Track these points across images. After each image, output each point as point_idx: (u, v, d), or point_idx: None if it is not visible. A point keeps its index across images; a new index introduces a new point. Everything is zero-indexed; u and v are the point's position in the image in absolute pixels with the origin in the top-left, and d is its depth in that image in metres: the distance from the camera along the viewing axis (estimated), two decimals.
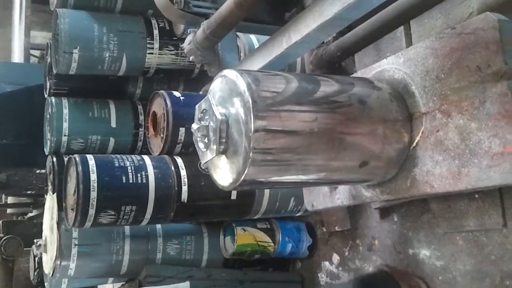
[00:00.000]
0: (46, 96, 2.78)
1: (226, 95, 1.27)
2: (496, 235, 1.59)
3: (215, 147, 1.26)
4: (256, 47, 2.44)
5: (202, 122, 1.31)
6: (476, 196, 1.58)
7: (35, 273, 3.01)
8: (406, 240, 1.96)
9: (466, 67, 1.24)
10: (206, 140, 1.30)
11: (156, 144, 2.40)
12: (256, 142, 1.19)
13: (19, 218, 4.82)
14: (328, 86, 1.37)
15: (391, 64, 1.46)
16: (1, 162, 3.64)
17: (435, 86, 1.32)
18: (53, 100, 2.63)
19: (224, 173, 1.32)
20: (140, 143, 2.71)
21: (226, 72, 1.30)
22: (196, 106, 1.36)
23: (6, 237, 4.06)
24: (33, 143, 3.12)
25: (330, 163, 1.34)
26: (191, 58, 1.87)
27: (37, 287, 3.27)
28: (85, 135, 2.62)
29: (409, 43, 1.82)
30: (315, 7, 1.37)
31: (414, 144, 1.37)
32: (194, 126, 1.32)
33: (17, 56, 4.44)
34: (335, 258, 2.42)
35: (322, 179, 1.43)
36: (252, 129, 1.19)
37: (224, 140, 1.25)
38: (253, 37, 2.49)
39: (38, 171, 3.77)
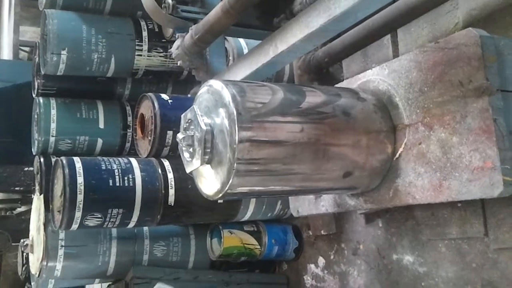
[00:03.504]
0: (34, 95, 2.76)
1: (212, 106, 1.28)
2: (477, 244, 1.61)
3: (200, 157, 1.27)
4: (244, 50, 2.45)
5: (187, 131, 1.32)
6: (459, 205, 1.61)
7: (23, 268, 3.01)
8: (390, 245, 1.98)
9: (449, 82, 1.25)
10: (191, 149, 1.31)
11: (144, 147, 2.40)
12: (240, 153, 1.20)
13: (7, 214, 4.81)
14: (313, 97, 1.38)
15: (376, 75, 1.48)
16: None
17: (419, 99, 1.34)
18: (41, 100, 2.62)
19: (209, 183, 1.33)
20: (128, 144, 2.70)
21: (212, 82, 1.30)
22: (182, 116, 1.37)
23: None
24: (21, 141, 3.10)
25: (314, 173, 1.35)
26: (179, 63, 1.87)
27: (24, 282, 3.27)
28: (73, 136, 2.60)
29: (395, 51, 1.84)
30: (301, 18, 1.38)
31: (397, 155, 1.39)
32: (180, 135, 1.33)
33: (6, 53, 4.40)
34: (321, 261, 2.44)
35: (307, 188, 1.44)
36: (237, 140, 1.20)
37: (208, 150, 1.27)
38: (241, 41, 2.49)
39: (26, 168, 3.76)
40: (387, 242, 2.01)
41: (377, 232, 2.07)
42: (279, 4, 1.69)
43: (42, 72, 2.51)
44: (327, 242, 2.40)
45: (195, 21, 1.83)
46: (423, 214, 1.77)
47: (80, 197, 2.00)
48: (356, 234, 2.20)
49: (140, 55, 2.48)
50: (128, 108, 2.73)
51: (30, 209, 2.67)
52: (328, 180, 1.40)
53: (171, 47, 1.93)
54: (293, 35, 1.41)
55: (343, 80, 1.79)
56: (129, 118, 2.70)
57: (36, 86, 2.73)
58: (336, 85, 1.70)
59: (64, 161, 2.07)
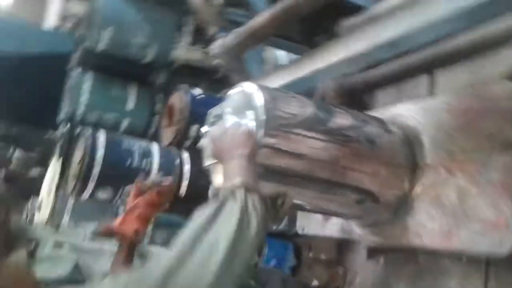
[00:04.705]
0: (71, 66, 2.83)
1: (241, 106, 1.29)
2: None
3: None
4: (282, 63, 2.47)
5: (212, 127, 1.34)
6: (463, 258, 1.58)
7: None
8: (387, 285, 1.95)
9: (478, 130, 1.25)
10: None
11: (168, 135, 2.43)
12: (261, 158, 1.21)
13: (21, 171, 4.88)
14: (341, 119, 1.39)
15: (408, 110, 1.47)
16: (17, 117, 3.69)
17: (445, 141, 1.33)
18: (77, 72, 2.68)
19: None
20: (152, 130, 2.74)
21: (247, 84, 1.32)
22: (210, 111, 1.39)
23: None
24: (50, 106, 3.17)
25: (327, 193, 1.36)
26: (216, 62, 1.90)
27: None
28: (101, 111, 2.66)
29: (431, 90, 1.83)
30: (344, 40, 1.39)
31: (413, 193, 1.38)
32: (204, 129, 1.35)
33: (50, 22, 4.50)
34: (315, 284, 2.42)
35: (317, 206, 1.45)
36: (260, 145, 1.21)
37: None
38: (280, 53, 2.51)
39: (49, 132, 3.83)
40: (385, 280, 1.98)
41: (376, 268, 2.05)
42: (323, 23, 1.71)
43: (83, 45, 2.58)
44: (324, 267, 2.38)
45: (238, 24, 1.87)
46: (426, 260, 1.74)
47: (96, 169, 2.04)
48: (355, 265, 2.18)
49: (180, 48, 2.52)
50: (158, 96, 2.78)
51: (44, 173, 2.72)
52: (340, 203, 1.40)
53: (212, 45, 1.96)
54: (333, 55, 1.43)
55: (373, 109, 1.79)
56: (158, 105, 2.74)
57: (74, 58, 2.80)
58: (366, 112, 1.70)
59: (90, 132, 2.11)
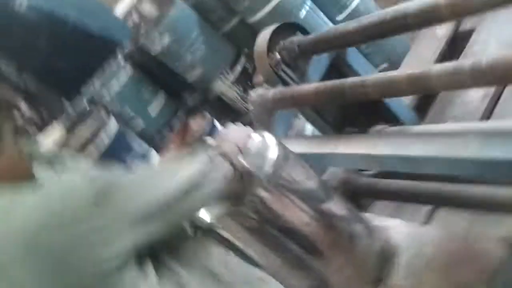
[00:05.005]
0: (116, 55, 2.91)
1: (253, 151, 1.32)
2: None
3: None
4: (305, 133, 2.53)
5: None
6: None
7: None
8: None
9: (453, 277, 1.27)
10: None
11: (171, 151, 2.45)
12: (248, 204, 1.24)
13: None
14: (336, 207, 1.42)
15: (396, 228, 1.50)
16: (44, 78, 3.76)
17: (417, 273, 1.35)
18: (119, 60, 2.76)
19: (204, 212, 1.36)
20: (160, 141, 2.78)
21: (267, 134, 1.36)
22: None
23: None
24: (79, 82, 3.23)
25: (288, 266, 1.37)
26: (249, 107, 1.96)
27: None
28: (125, 105, 2.72)
29: (427, 221, 1.85)
30: (368, 140, 1.45)
31: None
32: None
33: (119, 11, 4.63)
34: None
35: (273, 270, 1.44)
36: (252, 193, 1.24)
37: None
38: (308, 125, 2.58)
39: (65, 103, 3.87)
40: None
41: None
42: (359, 117, 1.78)
43: (138, 43, 2.67)
44: None
45: (286, 84, 1.93)
46: None
47: (96, 154, 2.07)
48: None
49: (222, 82, 2.61)
50: (181, 114, 2.84)
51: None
52: (294, 280, 1.40)
53: (250, 91, 2.02)
54: (356, 147, 1.47)
55: (367, 212, 1.83)
56: (175, 122, 2.79)
57: (123, 48, 2.88)
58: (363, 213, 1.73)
59: (106, 116, 2.16)
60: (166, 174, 1.10)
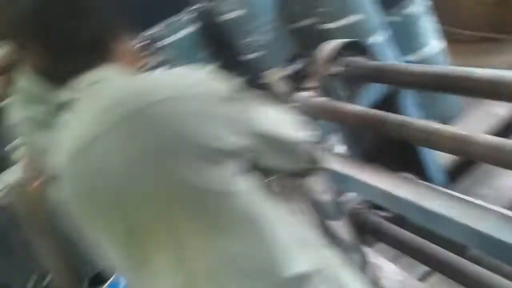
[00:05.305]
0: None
1: None
2: None
3: None
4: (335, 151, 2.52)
5: None
6: None
7: None
8: None
9: None
10: None
11: None
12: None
13: None
14: (341, 228, 1.42)
15: (392, 273, 1.49)
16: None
17: None
18: (187, 18, 2.77)
19: None
20: None
21: None
22: None
23: None
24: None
25: None
26: (290, 107, 1.96)
27: None
28: (179, 59, 2.72)
29: (423, 279, 1.82)
30: (393, 177, 1.44)
31: None
32: None
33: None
34: None
35: None
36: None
37: None
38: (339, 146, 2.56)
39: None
40: None
41: None
42: (391, 158, 1.76)
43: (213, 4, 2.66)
44: None
45: (334, 97, 1.92)
46: None
47: None
48: None
49: (277, 72, 2.59)
50: None
51: None
52: None
53: (295, 92, 2.03)
54: (380, 181, 1.47)
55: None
56: None
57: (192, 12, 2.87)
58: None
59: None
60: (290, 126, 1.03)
